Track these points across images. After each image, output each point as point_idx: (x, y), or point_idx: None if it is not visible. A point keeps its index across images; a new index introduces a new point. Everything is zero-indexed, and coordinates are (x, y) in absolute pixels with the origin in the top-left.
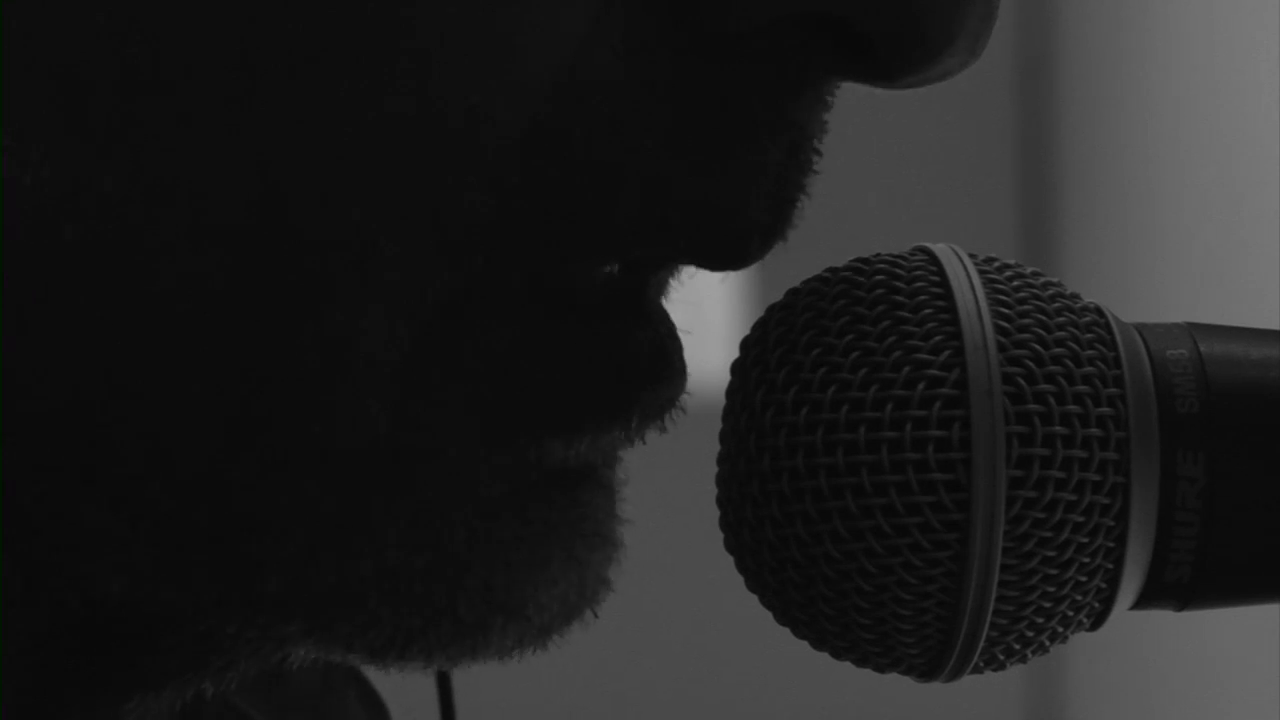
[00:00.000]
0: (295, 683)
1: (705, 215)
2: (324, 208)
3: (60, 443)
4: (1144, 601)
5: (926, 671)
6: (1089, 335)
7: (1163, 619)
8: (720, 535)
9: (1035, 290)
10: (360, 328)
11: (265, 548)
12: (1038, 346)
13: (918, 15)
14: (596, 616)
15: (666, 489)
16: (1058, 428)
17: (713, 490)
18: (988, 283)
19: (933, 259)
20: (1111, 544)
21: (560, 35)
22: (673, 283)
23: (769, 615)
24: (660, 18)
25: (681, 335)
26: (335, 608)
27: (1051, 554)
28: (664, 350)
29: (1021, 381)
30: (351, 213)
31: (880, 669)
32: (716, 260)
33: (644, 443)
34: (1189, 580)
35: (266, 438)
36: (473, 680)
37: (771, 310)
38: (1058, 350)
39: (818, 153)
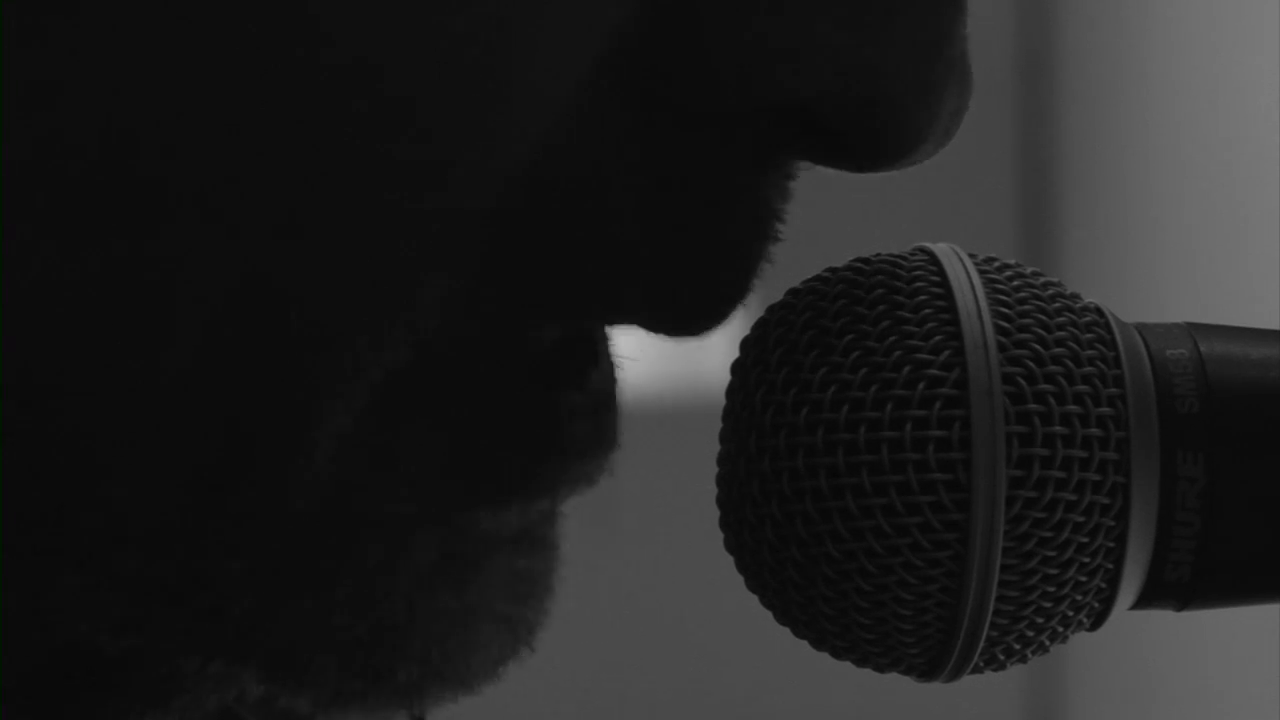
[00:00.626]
0: None
1: (666, 288)
2: (294, 299)
3: (28, 496)
4: (1144, 601)
5: (926, 671)
6: (1089, 335)
7: (1162, 619)
8: (720, 535)
9: (1035, 290)
10: (318, 401)
11: (223, 602)
12: (1038, 346)
13: (892, 118)
14: (533, 650)
15: (666, 489)
16: (1058, 428)
17: (713, 490)
18: (988, 283)
19: (933, 259)
20: (1111, 544)
21: (537, 116)
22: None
23: (769, 615)
24: (632, 95)
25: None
26: (284, 664)
27: (1051, 554)
28: (600, 425)
29: (1021, 381)
30: (320, 301)
31: (880, 669)
32: (672, 329)
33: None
34: (1189, 580)
35: (223, 499)
36: None
37: (771, 310)
38: (1058, 350)
39: (781, 221)
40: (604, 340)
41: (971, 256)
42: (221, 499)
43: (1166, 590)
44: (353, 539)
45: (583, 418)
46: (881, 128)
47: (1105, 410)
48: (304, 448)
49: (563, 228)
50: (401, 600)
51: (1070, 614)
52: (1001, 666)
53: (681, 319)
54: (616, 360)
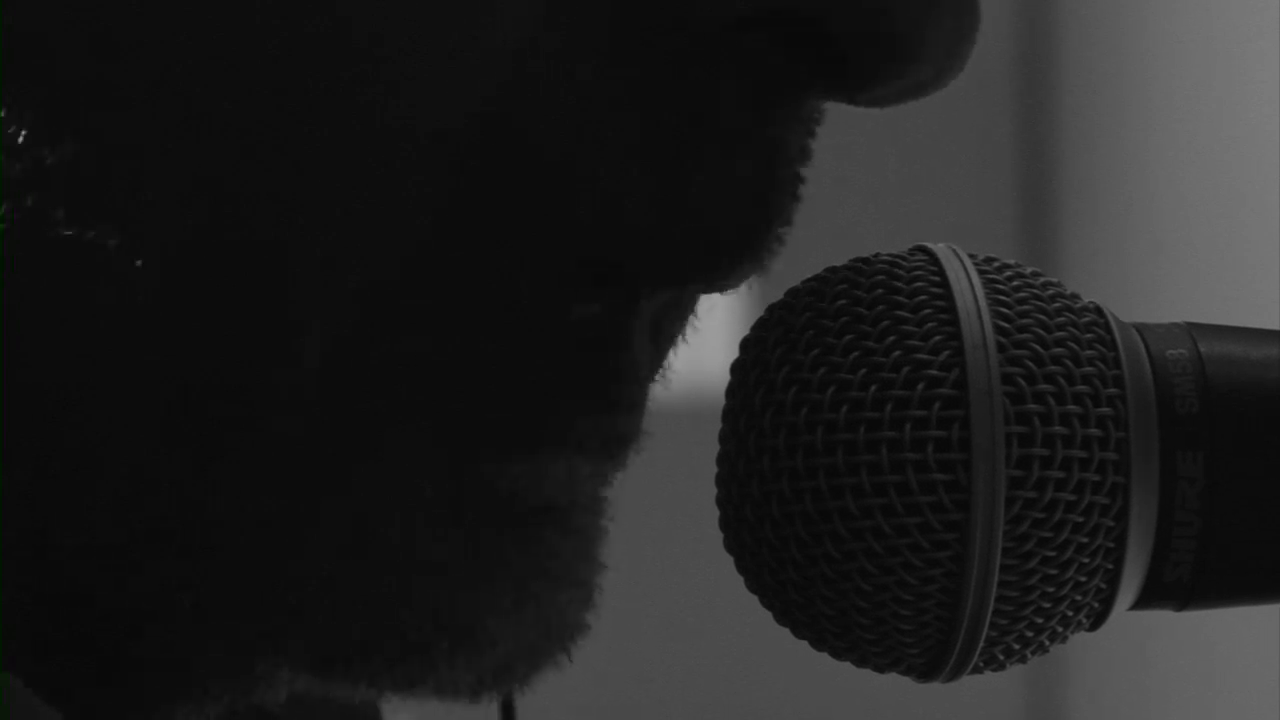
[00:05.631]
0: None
1: (667, 225)
2: (275, 204)
3: (28, 434)
4: (1144, 601)
5: (926, 671)
6: (1089, 335)
7: (1162, 619)
8: (720, 535)
9: (1035, 290)
10: (302, 315)
11: (209, 544)
12: (1037, 346)
13: (886, 19)
14: (570, 660)
15: (666, 489)
16: (1057, 428)
17: (713, 490)
18: (987, 283)
19: (932, 259)
20: (1111, 544)
21: (504, 26)
22: (677, 319)
23: (769, 615)
24: (620, 20)
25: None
26: (277, 613)
27: (1051, 554)
28: (612, 378)
29: (1021, 381)
30: (302, 208)
31: (880, 669)
32: (682, 275)
33: (609, 482)
34: (1189, 580)
35: (208, 419)
36: None
37: (771, 310)
38: (1057, 350)
39: (799, 178)
40: (657, 304)
41: (971, 256)
42: (205, 419)
43: (1166, 590)
44: (345, 473)
45: (590, 370)
46: (875, 37)
47: (1105, 410)
48: (285, 362)
49: (549, 148)
50: (400, 539)
51: (1070, 614)
52: (1001, 666)
53: (684, 266)
54: (676, 335)
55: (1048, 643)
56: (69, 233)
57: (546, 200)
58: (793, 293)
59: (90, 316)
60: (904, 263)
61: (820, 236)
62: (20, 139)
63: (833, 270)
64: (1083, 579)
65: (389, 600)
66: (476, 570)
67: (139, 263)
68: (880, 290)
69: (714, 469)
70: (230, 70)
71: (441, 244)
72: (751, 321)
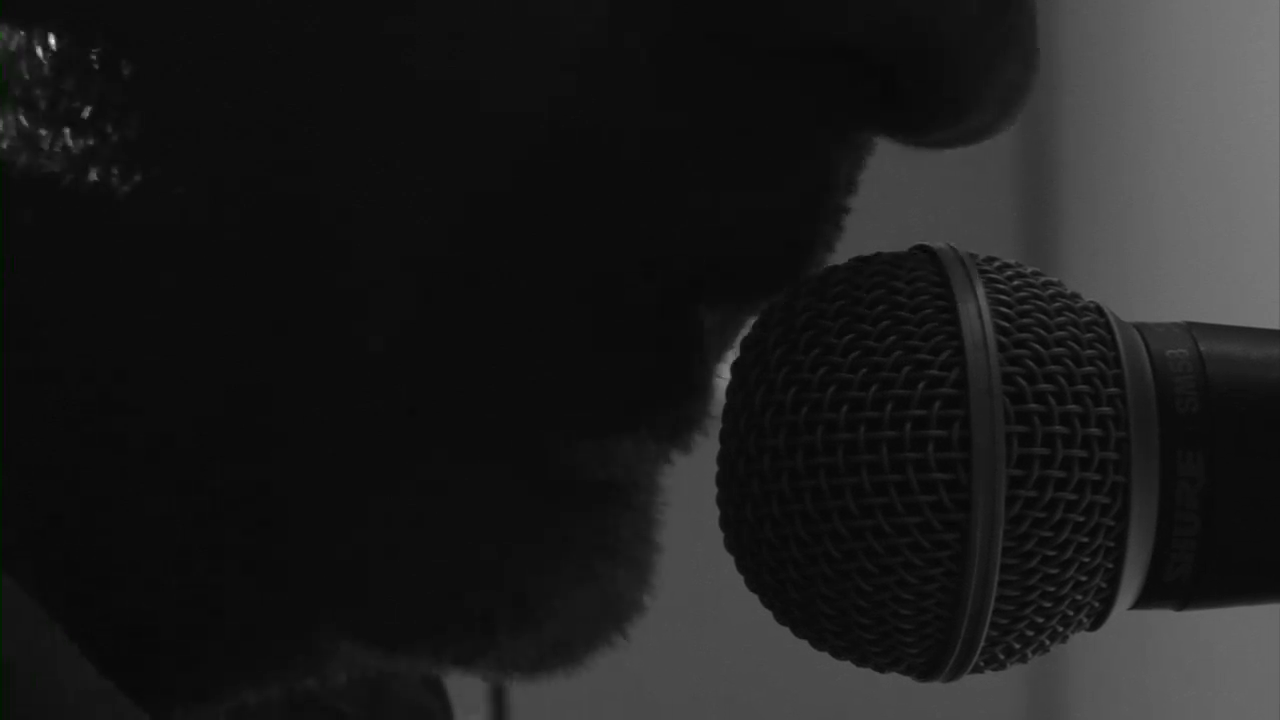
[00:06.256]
0: (398, 695)
1: (709, 234)
2: (346, 179)
3: (83, 412)
4: (1144, 601)
5: (926, 671)
6: (1089, 335)
7: (1162, 619)
8: (720, 535)
9: (1035, 290)
10: (373, 294)
11: (273, 520)
12: (1038, 346)
13: (948, 74)
14: (627, 639)
15: (666, 489)
16: (1058, 427)
17: (712, 490)
18: (988, 282)
19: (933, 258)
20: (1111, 544)
21: (582, 22)
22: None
23: (769, 615)
24: (688, 25)
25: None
26: (341, 585)
27: (1052, 554)
28: (682, 364)
29: (1021, 381)
30: (375, 184)
31: (880, 669)
32: (721, 288)
33: (670, 462)
34: (1189, 580)
35: (268, 404)
36: (459, 679)
37: (771, 310)
38: (1058, 350)
39: (844, 208)
40: (706, 294)
41: (971, 256)
42: (265, 400)
43: (1166, 590)
44: (416, 450)
45: (663, 358)
46: (936, 82)
47: (1105, 410)
48: (358, 342)
49: (618, 145)
50: (468, 514)
51: (1070, 614)
52: (1001, 666)
53: (727, 277)
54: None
55: (1048, 642)
56: (130, 215)
57: (612, 197)
58: (792, 292)
59: (155, 299)
60: (904, 262)
61: None
62: (84, 113)
63: (833, 270)
64: (1083, 578)
65: (453, 573)
66: (540, 545)
67: (202, 248)
68: (880, 290)
69: (714, 469)
70: (299, 63)
71: (513, 236)
72: (751, 322)
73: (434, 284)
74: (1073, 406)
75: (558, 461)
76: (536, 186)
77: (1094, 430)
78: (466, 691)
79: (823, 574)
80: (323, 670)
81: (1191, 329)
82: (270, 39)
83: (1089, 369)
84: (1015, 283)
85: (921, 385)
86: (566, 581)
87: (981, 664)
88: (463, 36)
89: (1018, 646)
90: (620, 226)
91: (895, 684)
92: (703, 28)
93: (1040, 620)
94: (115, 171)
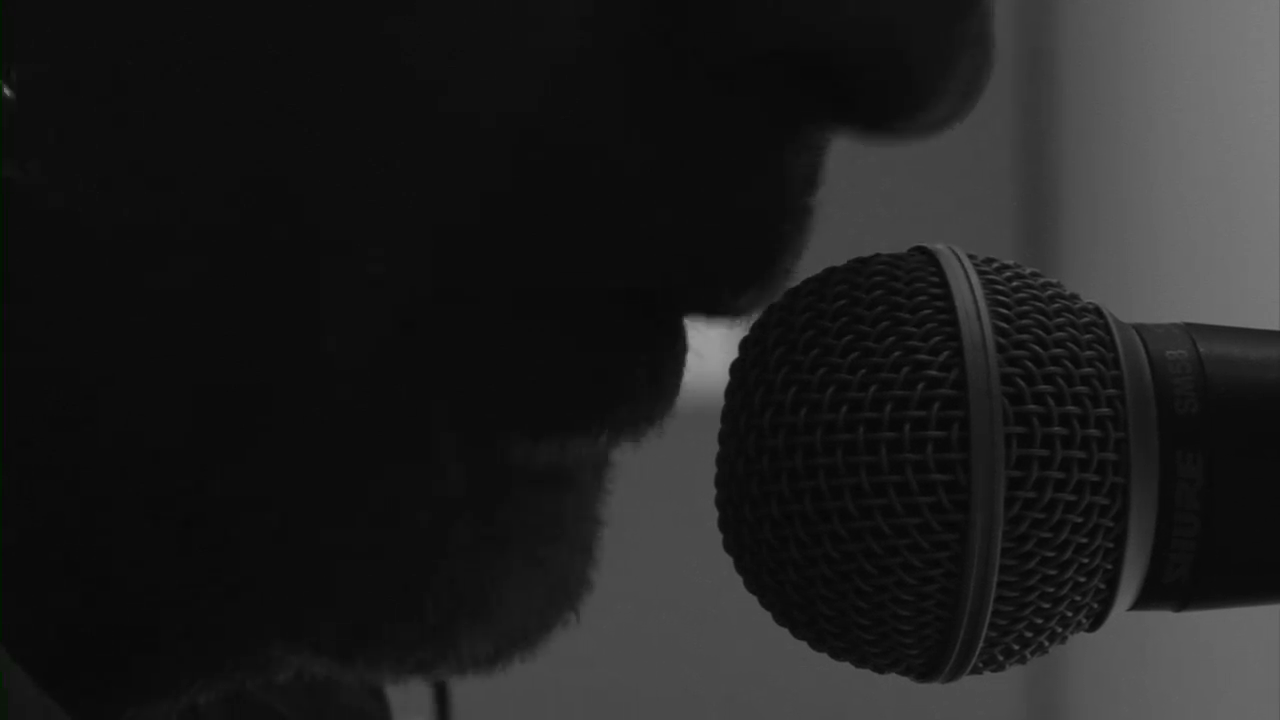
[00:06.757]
0: (337, 699)
1: (676, 251)
2: (310, 208)
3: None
4: (1143, 602)
5: (925, 672)
6: (1088, 336)
7: (1162, 619)
8: (719, 535)
9: (1034, 291)
10: (338, 319)
11: (240, 526)
12: (1036, 347)
13: (904, 74)
14: (578, 619)
15: (666, 489)
16: (1057, 428)
17: (712, 490)
18: (986, 283)
19: (931, 259)
20: (1110, 544)
21: (550, 42)
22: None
23: (768, 615)
24: (649, 42)
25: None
26: (305, 592)
27: (1050, 555)
28: (653, 374)
29: (1020, 382)
30: (338, 213)
31: (879, 669)
32: (687, 304)
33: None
34: (1188, 581)
35: (236, 416)
36: (460, 681)
37: (770, 310)
38: (1056, 351)
39: (808, 208)
40: (674, 302)
41: (970, 257)
42: (236, 408)
43: (1165, 591)
44: (377, 461)
45: (632, 361)
46: (891, 82)
47: (1104, 411)
48: (323, 364)
49: (583, 166)
50: (426, 523)
51: (1069, 615)
52: (1000, 667)
53: (691, 294)
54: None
55: (1047, 643)
56: (118, 220)
57: (581, 205)
58: (792, 293)
59: (135, 302)
60: (903, 263)
61: (820, 236)
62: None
63: (832, 270)
64: (1082, 579)
65: (413, 585)
66: (492, 549)
67: (185, 254)
68: (879, 291)
69: (713, 469)
70: (284, 67)
71: (477, 258)
72: (751, 322)
73: (415, 288)
74: (1071, 408)
75: (515, 458)
76: (513, 197)
77: (1093, 431)
78: (409, 694)
79: (822, 575)
80: (274, 673)
81: (1191, 330)
82: (270, 39)
83: (1088, 370)
84: (1014, 284)
85: (920, 386)
86: (517, 575)
87: (980, 665)
88: (459, 42)
89: (1016, 647)
90: (589, 238)
91: (894, 684)
92: (663, 38)
93: (1039, 621)
94: (106, 172)
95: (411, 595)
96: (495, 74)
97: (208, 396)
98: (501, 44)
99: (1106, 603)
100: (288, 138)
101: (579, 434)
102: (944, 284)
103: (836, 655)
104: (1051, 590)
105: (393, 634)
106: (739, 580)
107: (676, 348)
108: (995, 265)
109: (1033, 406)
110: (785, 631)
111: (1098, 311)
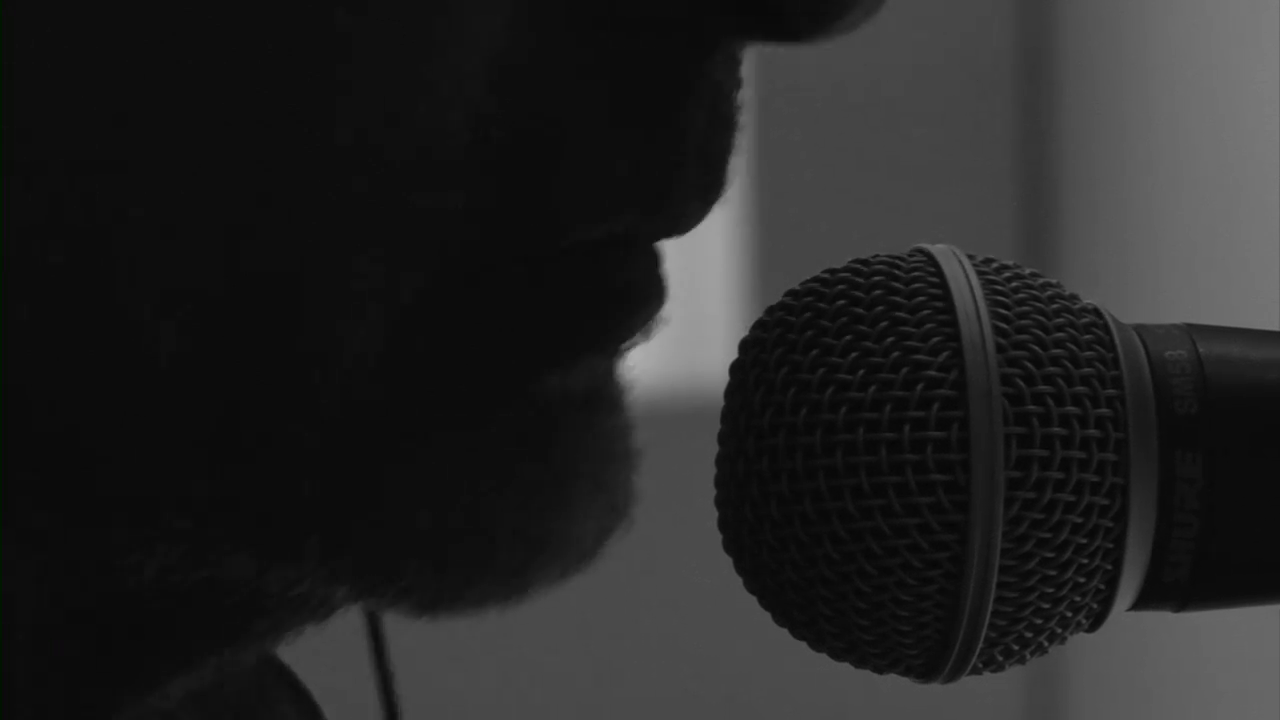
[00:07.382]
0: (229, 692)
1: (644, 182)
2: (286, 237)
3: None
4: (1142, 602)
5: (925, 672)
6: (1087, 336)
7: (1162, 619)
8: (719, 535)
9: (1034, 291)
10: (338, 335)
11: (303, 516)
12: (1036, 348)
13: None
14: (630, 523)
15: (666, 489)
16: (1056, 429)
17: (712, 490)
18: (986, 284)
19: (931, 260)
20: (1110, 545)
21: (483, 31)
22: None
23: (768, 616)
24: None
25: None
26: (375, 574)
27: (1050, 555)
28: (648, 278)
29: (1020, 383)
30: (316, 235)
31: (879, 670)
32: (661, 227)
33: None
34: (1187, 581)
35: (249, 416)
36: (460, 682)
37: (770, 311)
38: (1056, 351)
39: (738, 108)
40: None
41: (970, 257)
42: (245, 410)
43: (1165, 591)
44: (424, 443)
45: (629, 273)
46: None
47: (1104, 411)
48: (334, 378)
49: (544, 136)
50: (487, 483)
51: (1068, 615)
52: (1000, 668)
53: (663, 217)
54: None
55: (1046, 643)
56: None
57: (548, 183)
58: (792, 294)
59: (118, 363)
60: (902, 264)
61: (819, 237)
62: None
63: (831, 271)
64: (1081, 579)
65: (484, 542)
66: (553, 487)
67: (163, 311)
68: (879, 291)
69: (713, 469)
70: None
71: (464, 243)
72: (750, 322)
73: (395, 304)
74: (1071, 408)
75: (549, 392)
76: (476, 198)
77: (1092, 431)
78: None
79: (821, 575)
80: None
81: (1190, 330)
82: (249, 46)
83: (1087, 370)
84: (1013, 284)
85: (920, 386)
86: (584, 505)
87: (980, 665)
88: (365, 78)
89: (1016, 648)
90: (544, 201)
91: (894, 685)
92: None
93: (1039, 621)
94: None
95: (484, 551)
96: (443, 63)
97: (224, 398)
98: (443, 33)
99: (1106, 603)
100: (267, 144)
101: (604, 350)
102: (943, 284)
103: (836, 655)
104: (1051, 590)
105: (470, 589)
106: (739, 580)
107: (645, 270)
108: (995, 265)
109: (1032, 407)
110: (785, 631)
111: (1097, 312)
